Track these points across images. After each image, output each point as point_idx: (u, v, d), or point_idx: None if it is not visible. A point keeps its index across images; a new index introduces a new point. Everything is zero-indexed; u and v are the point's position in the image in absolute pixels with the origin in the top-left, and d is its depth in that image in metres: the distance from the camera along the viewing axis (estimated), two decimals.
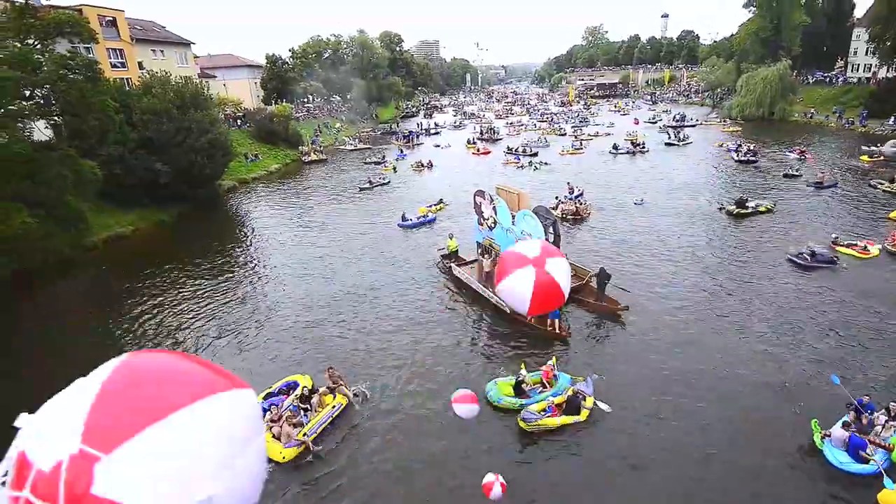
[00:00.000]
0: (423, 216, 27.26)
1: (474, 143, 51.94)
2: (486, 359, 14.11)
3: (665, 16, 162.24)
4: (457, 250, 20.49)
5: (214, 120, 34.00)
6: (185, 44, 52.04)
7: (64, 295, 20.83)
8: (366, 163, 44.82)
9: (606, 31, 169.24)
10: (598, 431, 11.09)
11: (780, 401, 11.66)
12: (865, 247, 19.83)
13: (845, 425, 10.18)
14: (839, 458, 9.78)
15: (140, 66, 42.11)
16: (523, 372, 12.49)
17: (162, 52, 47.57)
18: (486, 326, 15.94)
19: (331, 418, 11.55)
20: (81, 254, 23.12)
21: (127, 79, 39.08)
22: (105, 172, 23.88)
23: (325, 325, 16.29)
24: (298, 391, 12.07)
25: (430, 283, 19.24)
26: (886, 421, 10.34)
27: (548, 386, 12.18)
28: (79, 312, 19.26)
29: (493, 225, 17.61)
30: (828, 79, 67.87)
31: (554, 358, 12.78)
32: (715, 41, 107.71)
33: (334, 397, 11.97)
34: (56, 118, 23.21)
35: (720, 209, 26.16)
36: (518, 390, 12.09)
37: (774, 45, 65.72)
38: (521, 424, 11.06)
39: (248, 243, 25.97)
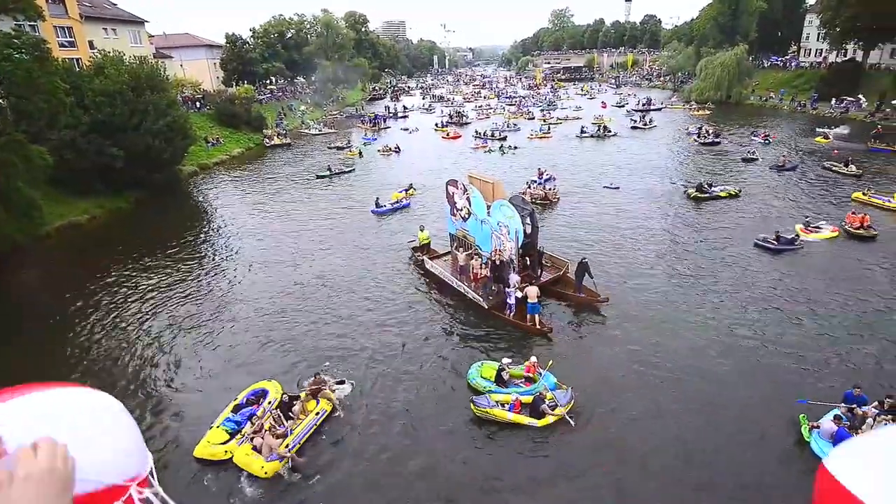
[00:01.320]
0: (398, 202, 26.79)
1: (444, 126, 51.66)
2: (465, 356, 13.60)
3: (629, 0, 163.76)
4: (429, 242, 19.55)
5: (172, 102, 32.87)
6: (139, 22, 49.84)
7: (15, 285, 20.03)
8: (330, 147, 43.96)
9: (572, 15, 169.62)
10: (583, 429, 10.78)
11: (764, 390, 11.58)
12: (824, 228, 20.60)
13: (836, 419, 10.09)
14: (825, 450, 9.51)
15: (91, 45, 40.20)
16: (506, 360, 12.31)
17: (114, 30, 45.49)
18: (463, 322, 15.33)
19: (314, 426, 10.89)
20: (34, 243, 22.25)
21: (77, 59, 37.26)
22: (56, 158, 22.92)
23: (292, 323, 15.51)
24: (269, 398, 11.41)
25: (402, 276, 18.60)
26: (877, 415, 10.10)
27: (529, 382, 11.92)
28: (30, 304, 18.47)
29: (466, 216, 16.99)
30: (782, 63, 70.25)
31: (535, 357, 12.44)
32: (676, 26, 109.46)
33: (317, 403, 11.28)
34: (1, 101, 22.10)
35: (685, 194, 26.54)
36: (499, 378, 11.96)
37: (732, 30, 67.48)
38: (472, 407, 11.09)
39: (209, 232, 25.31)
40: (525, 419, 10.92)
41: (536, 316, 14.36)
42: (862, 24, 50.53)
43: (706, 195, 25.65)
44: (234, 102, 49.35)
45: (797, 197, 26.12)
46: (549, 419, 10.78)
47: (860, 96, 50.79)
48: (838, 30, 53.43)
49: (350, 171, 34.98)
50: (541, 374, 11.98)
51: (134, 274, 19.84)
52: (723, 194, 25.90)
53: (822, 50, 63.72)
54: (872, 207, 23.04)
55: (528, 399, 11.29)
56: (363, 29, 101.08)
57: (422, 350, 13.85)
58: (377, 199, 26.42)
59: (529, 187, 27.15)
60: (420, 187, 29.06)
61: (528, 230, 16.10)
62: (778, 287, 16.54)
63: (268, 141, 47.57)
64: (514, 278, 15.01)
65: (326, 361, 13.31)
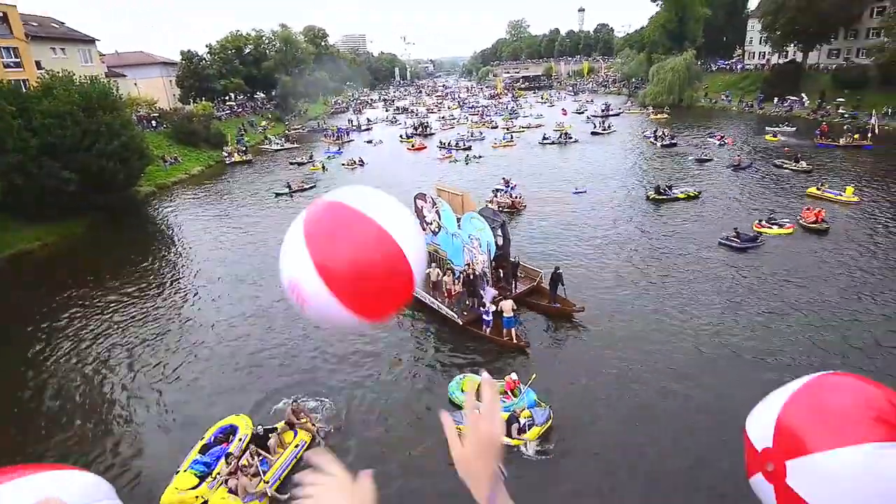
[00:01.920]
0: None
1: (410, 137, 51.70)
2: (440, 374, 13.21)
3: (581, 10, 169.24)
4: None
5: (126, 122, 32.03)
6: (89, 41, 48.44)
7: None
8: (291, 163, 43.29)
9: (528, 25, 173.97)
10: (562, 444, 10.51)
11: (744, 394, 10.75)
12: (780, 223, 21.20)
13: None
14: None
15: (38, 65, 38.77)
16: (485, 375, 12.05)
17: (63, 50, 44.04)
18: (438, 339, 14.88)
19: (294, 460, 10.24)
20: None
21: (24, 80, 35.92)
22: (3, 183, 22.05)
23: (259, 349, 14.83)
24: (239, 435, 10.69)
25: None
26: None
27: (511, 397, 11.49)
28: None
29: (437, 230, 16.60)
30: (728, 66, 73.48)
31: (514, 373, 12.03)
32: (628, 34, 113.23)
33: (295, 435, 10.67)
34: None
35: (647, 197, 26.84)
36: (479, 391, 11.80)
37: (680, 36, 70.24)
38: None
39: (168, 255, 24.50)
40: None
41: (513, 330, 13.98)
42: (800, 28, 53.46)
43: (664, 196, 26.22)
44: (192, 120, 48.37)
45: (754, 194, 26.79)
46: (516, 441, 10.32)
47: (802, 95, 53.56)
48: (778, 33, 56.34)
49: (311, 188, 34.00)
50: (521, 390, 11.52)
51: (88, 303, 18.96)
52: (682, 196, 26.36)
53: (764, 53, 66.93)
54: (826, 201, 23.94)
55: (504, 415, 10.95)
56: (323, 43, 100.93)
57: (396, 370, 13.38)
58: None
59: (496, 195, 27.36)
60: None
61: (500, 242, 15.87)
62: (744, 285, 16.81)
63: (227, 158, 46.68)
64: (490, 293, 14.75)
65: (302, 394, 12.42)
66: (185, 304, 18.56)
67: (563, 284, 15.52)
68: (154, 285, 20.51)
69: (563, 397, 11.75)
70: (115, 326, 17.01)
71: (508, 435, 10.36)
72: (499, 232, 15.76)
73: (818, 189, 25.32)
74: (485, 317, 14.44)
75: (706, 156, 35.01)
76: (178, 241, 26.28)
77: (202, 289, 19.64)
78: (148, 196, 35.13)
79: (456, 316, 15.16)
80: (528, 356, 13.65)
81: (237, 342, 15.42)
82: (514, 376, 11.85)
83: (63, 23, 48.53)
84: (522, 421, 10.60)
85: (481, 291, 15.00)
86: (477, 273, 15.52)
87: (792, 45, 57.91)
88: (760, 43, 65.94)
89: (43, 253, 25.11)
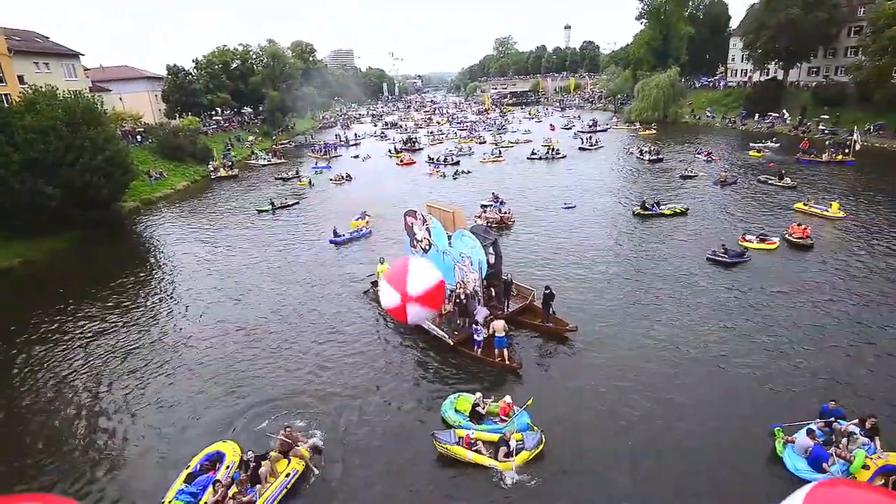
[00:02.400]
0: (357, 230, 26.14)
1: (400, 152, 51.68)
2: (429, 396, 12.71)
3: (568, 27, 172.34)
4: None
5: (111, 137, 31.51)
6: (73, 55, 47.92)
7: None
8: (277, 178, 42.92)
9: (515, 42, 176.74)
10: (554, 466, 10.25)
11: (738, 409, 11.47)
12: (769, 239, 21.27)
13: (810, 433, 9.84)
14: (797, 464, 9.64)
15: (21, 80, 38.27)
16: (479, 395, 11.73)
17: (46, 64, 43.48)
18: (427, 360, 14.40)
19: (286, 489, 9.77)
20: None
21: (6, 95, 35.37)
22: None
23: (244, 370, 14.31)
24: (227, 462, 10.17)
25: (361, 312, 17.45)
26: (855, 434, 9.88)
27: (506, 420, 11.16)
28: None
29: (427, 247, 16.24)
30: (711, 83, 74.99)
31: (509, 396, 11.61)
32: (613, 51, 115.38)
33: (289, 462, 10.15)
34: None
35: (633, 213, 26.92)
36: (474, 413, 11.33)
37: (664, 54, 71.63)
38: (434, 443, 10.50)
39: (152, 271, 23.88)
40: (486, 460, 10.20)
41: (504, 350, 13.59)
42: (780, 46, 54.80)
43: (649, 212, 26.19)
44: (178, 135, 47.90)
45: (741, 210, 26.90)
46: (504, 464, 10.02)
47: (784, 112, 54.74)
48: (760, 51, 57.73)
49: (295, 204, 33.46)
50: (515, 412, 11.15)
51: (69, 321, 18.42)
52: (667, 212, 26.23)
53: (746, 70, 68.47)
54: (812, 217, 24.25)
55: (493, 438, 10.59)
56: (311, 58, 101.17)
57: (385, 394, 12.86)
58: (335, 228, 25.70)
59: (485, 211, 27.25)
60: (375, 216, 28.07)
61: (492, 259, 15.58)
62: (735, 302, 16.73)
63: (213, 173, 46.26)
64: (482, 312, 14.48)
65: (293, 415, 12.02)
66: (169, 322, 17.99)
67: (551, 300, 15.25)
68: (137, 303, 19.92)
69: (555, 419, 11.40)
70: (95, 347, 16.45)
71: (496, 458, 10.14)
72: (490, 250, 15.46)
73: (805, 205, 25.65)
74: (476, 337, 14.02)
75: (692, 172, 35.34)
76: (163, 256, 25.71)
77: (184, 308, 19.07)
78: (132, 211, 34.50)
79: (446, 336, 14.75)
80: (520, 377, 13.32)
81: (223, 362, 14.90)
82: (508, 399, 11.48)
83: (47, 37, 48.06)
84: (512, 444, 10.27)
85: (473, 311, 14.67)
86: (468, 292, 15.18)
87: (773, 63, 59.34)
88: (742, 61, 67.45)
89: (25, 270, 24.41)
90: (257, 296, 19.58)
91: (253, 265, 22.96)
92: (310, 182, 40.07)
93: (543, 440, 10.55)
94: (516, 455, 10.16)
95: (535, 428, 10.87)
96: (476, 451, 10.47)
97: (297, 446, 10.38)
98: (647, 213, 26.34)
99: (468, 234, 15.16)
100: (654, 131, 57.58)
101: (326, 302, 18.50)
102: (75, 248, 27.42)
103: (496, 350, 13.63)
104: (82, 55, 49.26)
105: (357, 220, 27.29)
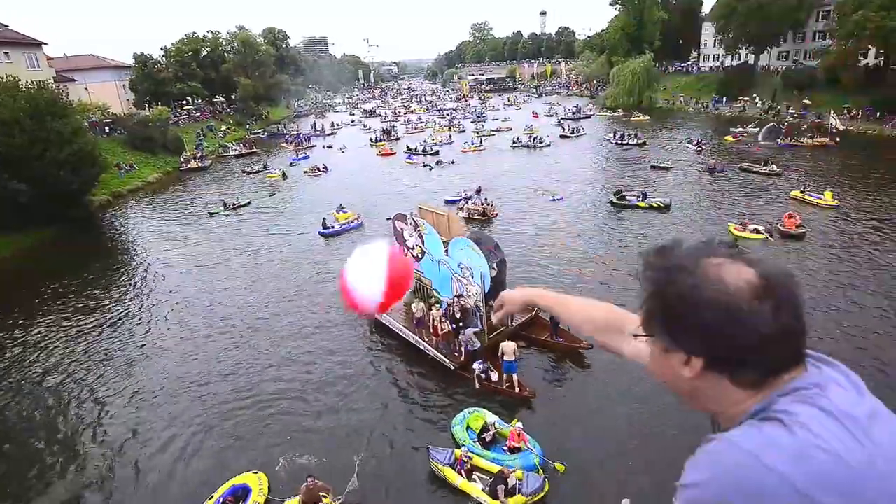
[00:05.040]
0: (348, 221, 25.24)
1: (380, 141, 50.72)
2: (429, 428, 11.36)
3: (543, 13, 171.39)
4: None
5: (78, 129, 30.56)
6: (35, 44, 46.09)
7: None
8: (244, 171, 41.46)
9: (491, 28, 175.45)
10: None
11: None
12: (755, 228, 20.42)
13: None
14: None
15: None
16: (492, 417, 10.78)
17: (7, 54, 41.75)
18: (424, 386, 12.85)
19: None
20: None
21: None
22: None
23: (219, 390, 12.95)
24: (253, 498, 9.25)
25: (349, 325, 15.72)
26: None
27: (512, 451, 10.04)
28: None
29: (420, 255, 14.81)
30: (685, 69, 75.92)
31: (520, 423, 10.40)
32: (588, 37, 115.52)
33: None
34: None
35: (631, 202, 25.58)
36: (483, 433, 10.44)
37: (639, 39, 72.17)
38: (431, 462, 9.77)
39: (127, 270, 23.10)
40: (476, 492, 9.16)
41: (514, 376, 11.85)
42: (751, 31, 55.70)
43: (625, 203, 25.44)
44: (148, 125, 46.66)
45: (730, 199, 26.05)
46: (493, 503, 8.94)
47: (755, 96, 55.81)
48: (731, 36, 58.59)
49: (246, 205, 30.84)
50: (525, 447, 9.89)
51: (40, 325, 17.76)
52: (642, 204, 25.23)
53: (718, 55, 69.44)
54: (807, 205, 23.53)
55: (493, 468, 9.52)
56: (283, 45, 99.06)
57: (380, 427, 11.32)
58: (324, 219, 24.91)
59: (467, 202, 26.47)
60: (355, 208, 26.79)
61: (494, 274, 14.06)
62: None
63: (184, 164, 45.19)
64: (468, 332, 12.98)
65: (309, 456, 10.62)
66: (152, 331, 16.82)
67: None
68: (114, 306, 19.10)
69: (566, 453, 10.00)
70: (76, 352, 15.62)
71: (494, 496, 9.02)
72: (493, 265, 13.62)
73: (801, 192, 24.84)
74: (477, 365, 12.26)
75: (665, 163, 33.61)
76: (139, 252, 25.07)
77: (167, 313, 17.89)
78: (103, 205, 33.62)
79: (447, 360, 13.03)
80: (533, 409, 11.59)
81: (200, 378, 13.63)
82: (519, 426, 10.20)
83: (6, 25, 46.02)
84: (511, 482, 9.09)
85: (473, 329, 13.14)
86: (468, 307, 13.52)
87: (744, 48, 60.28)
88: (715, 46, 68.37)
89: None
90: (232, 303, 18.09)
91: (235, 265, 21.87)
92: (283, 174, 38.92)
93: (546, 488, 9.24)
94: (509, 497, 8.92)
95: (542, 470, 9.48)
96: (472, 478, 9.50)
97: (323, 499, 9.21)
98: (622, 203, 25.47)
99: (471, 246, 13.27)
100: (647, 118, 56.08)
101: (307, 320, 16.46)
102: (45, 245, 26.66)
103: (504, 375, 12.02)
104: (45, 44, 47.43)
105: (339, 212, 26.27)
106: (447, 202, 26.98)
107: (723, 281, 0.95)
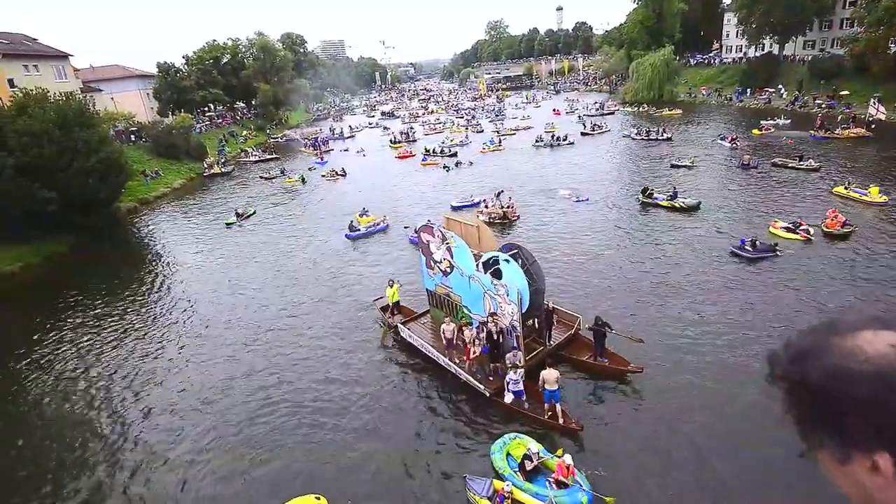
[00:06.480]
0: (373, 224, 25.18)
1: (399, 142, 50.76)
2: (464, 454, 10.53)
3: (560, 9, 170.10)
4: (398, 301, 16.00)
5: (105, 138, 31.36)
6: (63, 56, 47.50)
7: None
8: (262, 178, 41.56)
9: (507, 26, 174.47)
10: None
11: None
12: (806, 229, 19.16)
13: None
14: None
15: (11, 83, 37.98)
16: (536, 446, 9.94)
17: (36, 66, 43.12)
18: (458, 414, 11.81)
19: None
20: None
21: None
22: None
23: (241, 418, 12.23)
24: None
25: (374, 343, 15.13)
26: None
27: (559, 485, 9.16)
28: None
29: (448, 269, 13.72)
30: (706, 61, 74.35)
31: (569, 456, 9.51)
32: (606, 31, 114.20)
33: None
34: None
35: (661, 203, 24.56)
36: (524, 463, 9.59)
37: (658, 32, 70.90)
38: (467, 492, 9.22)
39: (156, 275, 23.43)
40: None
41: (558, 405, 10.80)
42: (775, 20, 54.23)
43: (652, 201, 24.69)
44: (172, 133, 47.65)
45: (767, 197, 24.73)
46: None
47: (780, 86, 54.35)
48: (754, 26, 57.15)
49: (252, 214, 30.52)
50: (577, 479, 9.09)
51: (72, 330, 18.17)
52: (665, 203, 24.39)
53: (741, 46, 67.81)
54: (852, 201, 22.16)
55: None
56: (301, 49, 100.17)
57: (413, 454, 10.64)
58: (350, 222, 25.24)
59: (487, 206, 25.86)
60: (375, 212, 26.30)
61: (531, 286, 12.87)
62: (790, 307, 14.44)
63: (207, 170, 46.01)
64: (515, 355, 11.92)
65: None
66: (182, 336, 16.77)
67: (610, 330, 12.32)
68: (145, 311, 19.49)
69: (616, 490, 9.18)
70: (106, 359, 15.82)
71: None
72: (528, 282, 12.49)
73: (845, 189, 23.30)
74: (512, 387, 11.36)
75: (689, 162, 32.07)
76: (167, 258, 25.56)
77: (194, 318, 17.94)
78: (130, 212, 34.48)
79: (481, 386, 12.09)
80: (579, 445, 10.50)
81: (227, 401, 12.99)
82: (568, 460, 9.36)
83: (35, 39, 47.55)
84: None
85: (508, 351, 12.15)
86: (503, 327, 12.33)
87: (768, 37, 58.75)
88: (737, 36, 66.79)
89: (22, 276, 24.39)
90: (260, 320, 17.27)
91: (262, 272, 21.76)
92: (302, 179, 38.87)
93: None
94: None
95: (609, 499, 8.84)
96: None
97: None
98: (650, 201, 24.71)
99: (511, 260, 12.25)
100: (679, 112, 54.28)
101: (334, 334, 15.81)
102: (75, 252, 27.36)
103: (546, 405, 10.98)
104: (72, 56, 48.87)
105: (361, 216, 25.99)
106: (454, 208, 26.54)
107: (863, 350, 0.83)
